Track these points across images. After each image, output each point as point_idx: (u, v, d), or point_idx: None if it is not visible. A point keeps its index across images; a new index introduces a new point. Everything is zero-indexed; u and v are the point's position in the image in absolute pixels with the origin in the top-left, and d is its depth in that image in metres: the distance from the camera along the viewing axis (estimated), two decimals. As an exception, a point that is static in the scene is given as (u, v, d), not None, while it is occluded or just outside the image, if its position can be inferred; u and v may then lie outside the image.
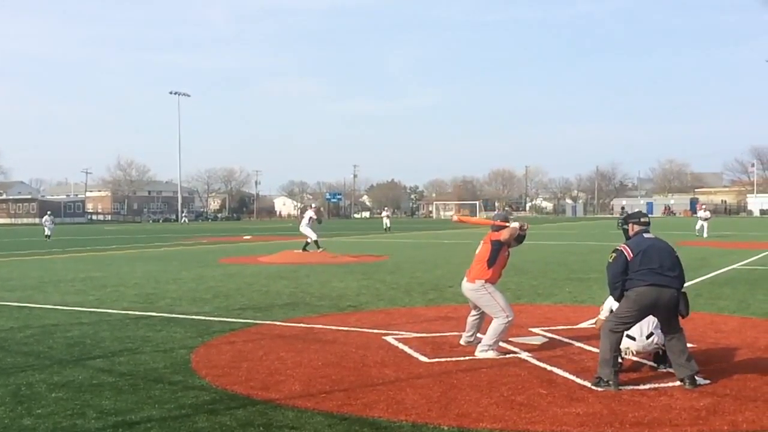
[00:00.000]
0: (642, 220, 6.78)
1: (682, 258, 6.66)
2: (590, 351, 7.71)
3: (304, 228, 24.26)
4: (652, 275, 6.29)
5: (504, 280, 14.98)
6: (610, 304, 6.99)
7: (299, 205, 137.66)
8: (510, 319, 7.70)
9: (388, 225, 51.81)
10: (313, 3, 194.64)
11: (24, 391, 6.30)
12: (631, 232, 6.75)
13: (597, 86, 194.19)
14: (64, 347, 8.35)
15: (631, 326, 6.54)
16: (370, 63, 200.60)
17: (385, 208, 61.95)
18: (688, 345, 6.64)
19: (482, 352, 7.57)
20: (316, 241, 23.87)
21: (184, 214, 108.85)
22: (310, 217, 24.48)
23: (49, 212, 44.93)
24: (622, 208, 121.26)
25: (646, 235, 6.63)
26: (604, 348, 6.32)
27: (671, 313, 6.35)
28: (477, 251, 8.09)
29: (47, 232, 41.46)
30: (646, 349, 6.86)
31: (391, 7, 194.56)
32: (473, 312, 8.21)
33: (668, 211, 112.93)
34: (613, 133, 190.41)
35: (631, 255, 6.39)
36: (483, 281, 7.86)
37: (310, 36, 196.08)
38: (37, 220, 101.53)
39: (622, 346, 6.70)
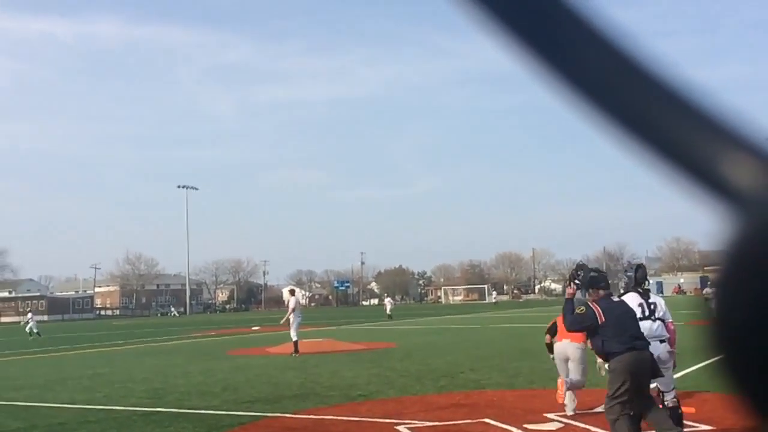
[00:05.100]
0: (605, 285, 6.81)
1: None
2: (607, 436, 7.54)
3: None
4: (631, 340, 6.36)
5: (516, 364, 14.88)
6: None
7: (308, 293, 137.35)
8: None
9: (389, 312, 50.00)
10: (317, 95, 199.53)
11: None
12: (596, 297, 6.71)
13: (599, 167, 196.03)
14: (71, 447, 8.21)
15: (629, 397, 6.46)
16: (374, 151, 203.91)
17: (386, 295, 61.16)
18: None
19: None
20: (296, 342, 20.15)
21: (172, 308, 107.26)
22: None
23: (29, 311, 45.30)
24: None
25: (614, 299, 6.74)
26: None
27: (648, 376, 6.44)
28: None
29: (28, 329, 40.61)
30: None
31: (393, 96, 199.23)
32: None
33: (679, 290, 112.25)
34: (618, 213, 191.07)
35: (603, 320, 6.40)
36: None
37: (315, 126, 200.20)
38: (46, 318, 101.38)
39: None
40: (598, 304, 6.58)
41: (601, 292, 6.74)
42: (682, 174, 0.45)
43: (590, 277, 6.86)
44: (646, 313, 7.16)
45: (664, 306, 7.41)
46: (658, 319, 7.20)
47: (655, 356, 6.95)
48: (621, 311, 6.58)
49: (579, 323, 6.51)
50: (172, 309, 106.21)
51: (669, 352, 7.16)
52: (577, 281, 6.74)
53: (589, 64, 0.47)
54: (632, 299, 7.23)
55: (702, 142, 0.44)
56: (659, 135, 0.45)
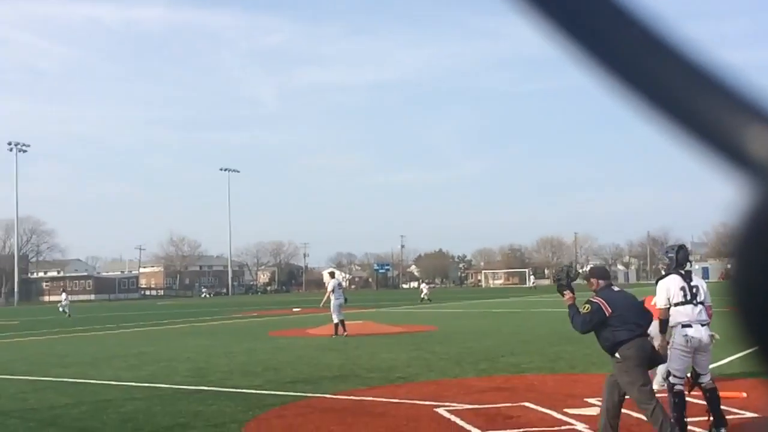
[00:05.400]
0: (604, 275, 6.82)
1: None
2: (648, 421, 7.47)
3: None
4: (635, 328, 6.36)
5: (557, 349, 14.80)
6: (665, 368, 6.89)
7: (348, 276, 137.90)
8: None
9: (426, 297, 49.02)
10: (358, 78, 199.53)
11: (78, 467, 6.34)
12: (596, 287, 6.65)
13: (644, 151, 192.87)
14: (117, 423, 8.42)
15: (648, 380, 6.45)
16: (415, 134, 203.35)
17: (421, 280, 60.83)
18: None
19: None
20: (337, 324, 20.38)
21: (204, 289, 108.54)
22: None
23: (63, 291, 46.55)
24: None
25: (615, 289, 6.67)
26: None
27: (648, 364, 6.45)
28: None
29: (62, 309, 41.22)
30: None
31: (433, 79, 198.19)
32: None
33: (726, 275, 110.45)
34: (663, 198, 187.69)
35: (610, 311, 6.35)
36: None
37: (356, 109, 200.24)
38: (93, 297, 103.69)
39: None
40: (599, 295, 6.53)
41: (601, 282, 6.68)
42: (705, 144, 0.46)
43: (590, 269, 6.94)
44: (688, 297, 7.00)
45: (705, 289, 7.24)
46: (700, 303, 7.04)
47: (697, 339, 6.84)
48: (622, 299, 6.56)
49: (590, 322, 6.42)
50: (203, 290, 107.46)
51: (710, 336, 7.02)
52: (569, 286, 6.68)
53: (616, 39, 0.48)
54: (675, 282, 7.07)
55: (724, 114, 0.46)
56: (683, 106, 0.46)
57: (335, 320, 20.42)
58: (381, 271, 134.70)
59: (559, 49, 0.50)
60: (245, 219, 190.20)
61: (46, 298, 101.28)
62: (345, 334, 19.86)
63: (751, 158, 0.45)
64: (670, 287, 7.05)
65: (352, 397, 9.80)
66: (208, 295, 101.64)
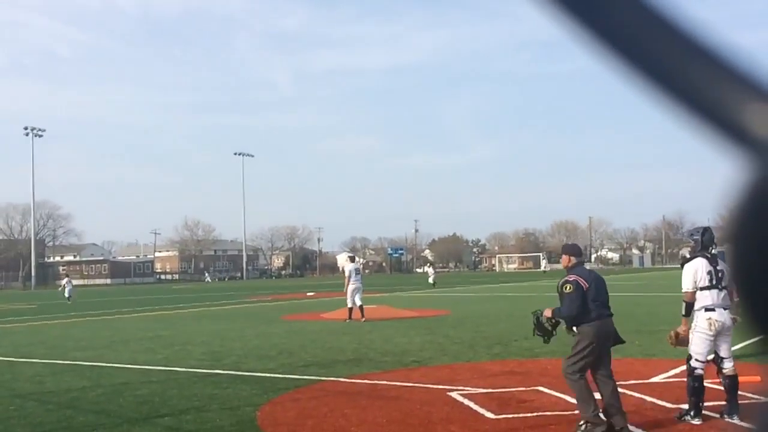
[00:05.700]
0: (578, 252, 7.02)
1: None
2: (663, 405, 7.47)
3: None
4: (601, 307, 6.55)
5: (571, 333, 14.76)
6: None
7: (362, 260, 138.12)
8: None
9: (431, 281, 48.80)
10: (372, 62, 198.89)
11: (95, 449, 6.41)
12: (567, 263, 6.84)
13: (659, 134, 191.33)
14: (133, 405, 8.50)
15: (592, 358, 6.57)
16: (429, 118, 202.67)
17: (429, 264, 61.03)
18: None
19: None
20: (351, 308, 20.46)
21: (207, 274, 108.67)
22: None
23: (67, 275, 45.84)
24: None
25: (587, 267, 6.91)
26: (578, 394, 6.56)
27: (611, 342, 6.65)
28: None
29: (67, 294, 40.17)
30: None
31: (448, 62, 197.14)
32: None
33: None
34: (679, 181, 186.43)
35: (587, 285, 6.53)
36: None
37: (370, 93, 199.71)
38: (108, 281, 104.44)
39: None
40: (572, 272, 6.69)
41: (573, 259, 6.83)
42: (706, 121, 0.46)
43: (564, 245, 7.23)
44: (714, 281, 6.89)
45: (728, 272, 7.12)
46: (724, 287, 6.95)
47: (720, 323, 6.79)
48: (594, 278, 6.71)
49: (576, 299, 6.53)
50: (206, 275, 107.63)
51: (732, 319, 6.94)
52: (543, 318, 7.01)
53: (616, 15, 0.48)
54: (702, 265, 6.95)
55: (725, 91, 0.45)
56: (683, 84, 0.46)
57: (349, 305, 20.45)
58: (395, 255, 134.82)
59: (565, 29, 0.50)
60: (259, 203, 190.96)
61: (63, 283, 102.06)
62: (363, 320, 19.79)
63: (752, 136, 0.44)
64: (697, 270, 6.93)
65: (365, 381, 9.85)
66: (210, 280, 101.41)
